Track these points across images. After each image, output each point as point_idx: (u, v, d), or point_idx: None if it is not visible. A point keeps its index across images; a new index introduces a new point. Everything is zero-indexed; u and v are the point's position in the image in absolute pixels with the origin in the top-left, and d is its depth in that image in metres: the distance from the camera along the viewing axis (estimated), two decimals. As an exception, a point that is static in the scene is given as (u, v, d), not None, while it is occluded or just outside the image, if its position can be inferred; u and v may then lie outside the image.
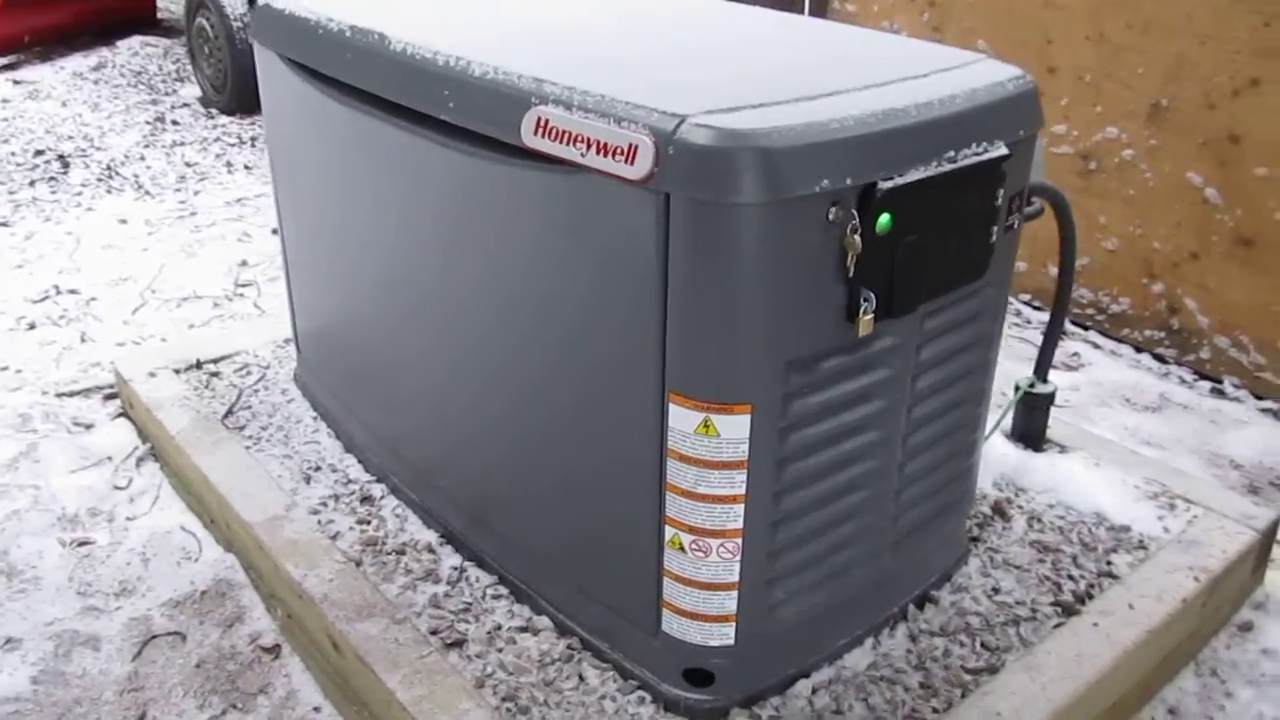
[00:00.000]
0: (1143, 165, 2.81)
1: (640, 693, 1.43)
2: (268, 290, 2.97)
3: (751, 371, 1.21)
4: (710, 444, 1.24)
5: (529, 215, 1.33)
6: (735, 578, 1.32)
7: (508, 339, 1.45)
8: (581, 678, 1.46)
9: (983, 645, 1.54)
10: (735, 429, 1.23)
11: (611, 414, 1.33)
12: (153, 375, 2.21)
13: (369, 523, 1.78)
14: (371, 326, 1.80)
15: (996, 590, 1.64)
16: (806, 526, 1.35)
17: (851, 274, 1.19)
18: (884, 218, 1.19)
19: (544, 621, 1.55)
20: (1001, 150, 1.31)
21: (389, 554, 1.70)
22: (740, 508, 1.27)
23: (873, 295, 1.22)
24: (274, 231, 3.35)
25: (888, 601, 1.55)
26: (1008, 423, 1.98)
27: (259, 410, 2.10)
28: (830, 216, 1.16)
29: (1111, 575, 1.68)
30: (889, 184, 1.18)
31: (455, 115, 1.37)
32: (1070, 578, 1.67)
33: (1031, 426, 1.97)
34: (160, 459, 2.13)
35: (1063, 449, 1.98)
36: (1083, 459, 1.94)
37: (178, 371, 2.23)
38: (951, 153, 1.25)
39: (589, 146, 1.19)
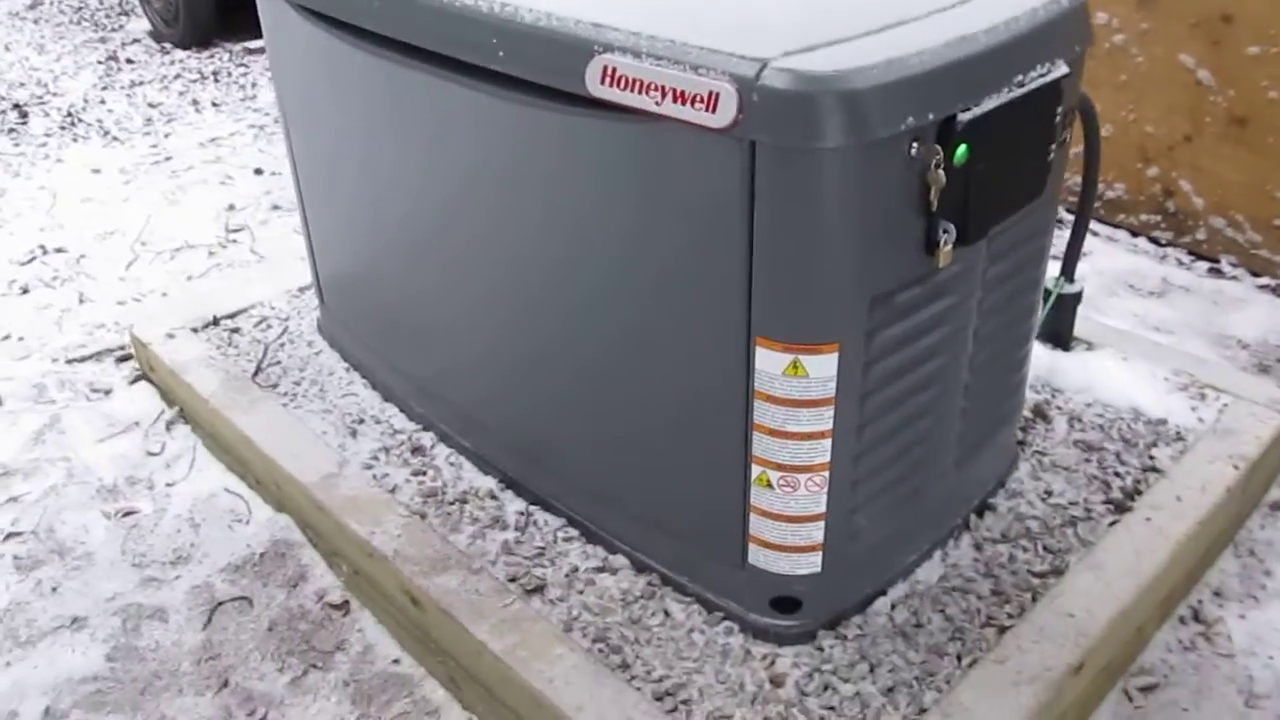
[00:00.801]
0: (1134, 49, 2.80)
1: (727, 623, 1.47)
2: (261, 234, 2.91)
3: (838, 311, 1.22)
4: (799, 384, 1.25)
5: (595, 164, 1.31)
6: (822, 509, 1.35)
7: (573, 288, 1.44)
8: (667, 613, 1.50)
9: (1045, 548, 1.59)
10: (823, 368, 1.24)
11: (692, 360, 1.33)
12: (171, 336, 2.17)
13: (425, 473, 1.78)
14: (409, 276, 1.78)
15: (1049, 493, 1.70)
16: (885, 453, 1.38)
17: (935, 208, 1.19)
18: (961, 149, 1.19)
19: (620, 560, 1.58)
20: (1063, 69, 1.30)
21: (451, 504, 1.71)
22: (827, 443, 1.29)
23: (952, 226, 1.22)
24: (256, 172, 3.27)
25: (952, 514, 1.60)
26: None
27: (289, 365, 2.08)
28: (912, 152, 1.16)
29: (1155, 469, 1.74)
30: (968, 115, 1.18)
31: (506, 64, 1.33)
32: (1117, 474, 1.73)
33: (1060, 326, 2.01)
34: (191, 421, 2.11)
35: (1089, 346, 2.03)
36: (1111, 355, 1.99)
37: (195, 330, 2.19)
38: (1020, 76, 1.24)
39: (664, 95, 1.16)
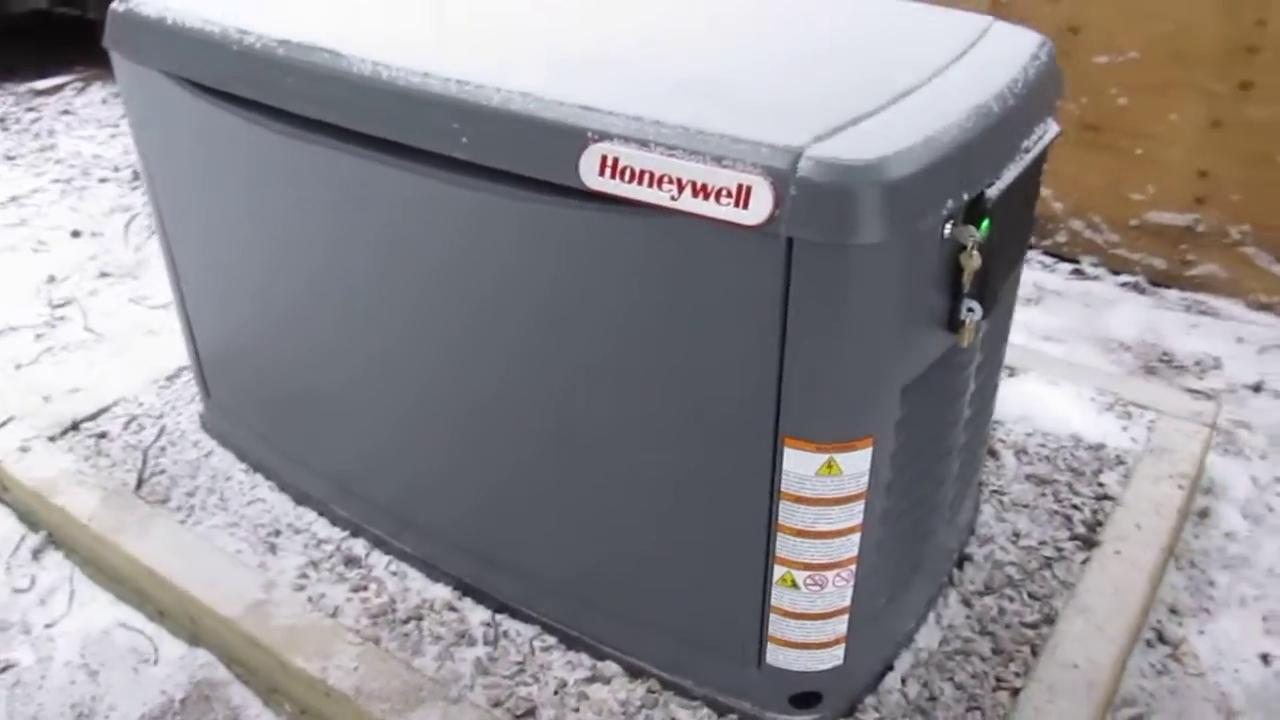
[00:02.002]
0: (986, 60, 2.88)
1: (744, 725, 1.39)
2: (93, 308, 2.58)
3: (874, 405, 1.15)
4: (833, 482, 1.17)
5: (587, 258, 1.18)
6: (848, 602, 1.28)
7: (550, 383, 1.30)
8: (673, 718, 1.40)
9: (1030, 595, 1.58)
10: (858, 464, 1.16)
11: (705, 461, 1.23)
12: (25, 449, 1.87)
13: (366, 588, 1.60)
14: (323, 364, 1.58)
15: (1018, 534, 1.69)
16: (903, 531, 1.32)
17: (966, 289, 1.14)
18: (984, 224, 1.13)
19: (610, 667, 1.46)
20: (1055, 128, 1.28)
21: (406, 622, 1.54)
22: (857, 536, 1.22)
23: (976, 304, 1.17)
24: (74, 234, 2.91)
25: (943, 572, 1.57)
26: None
27: (177, 474, 1.83)
28: (945, 234, 1.10)
29: (1108, 497, 1.77)
30: (994, 190, 1.12)
31: (471, 152, 1.18)
32: (1075, 507, 1.74)
33: (986, 355, 2.02)
34: (65, 547, 1.83)
35: (1011, 371, 2.05)
36: (1037, 379, 2.02)
37: (53, 439, 1.91)
38: (1027, 141, 1.20)
39: (680, 189, 1.05)
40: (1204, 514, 1.95)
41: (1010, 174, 1.15)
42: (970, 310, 1.17)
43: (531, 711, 1.41)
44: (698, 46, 1.32)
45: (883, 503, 1.23)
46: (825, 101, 1.11)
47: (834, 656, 1.32)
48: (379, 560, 1.65)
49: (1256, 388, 2.38)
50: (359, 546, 1.68)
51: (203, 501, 1.77)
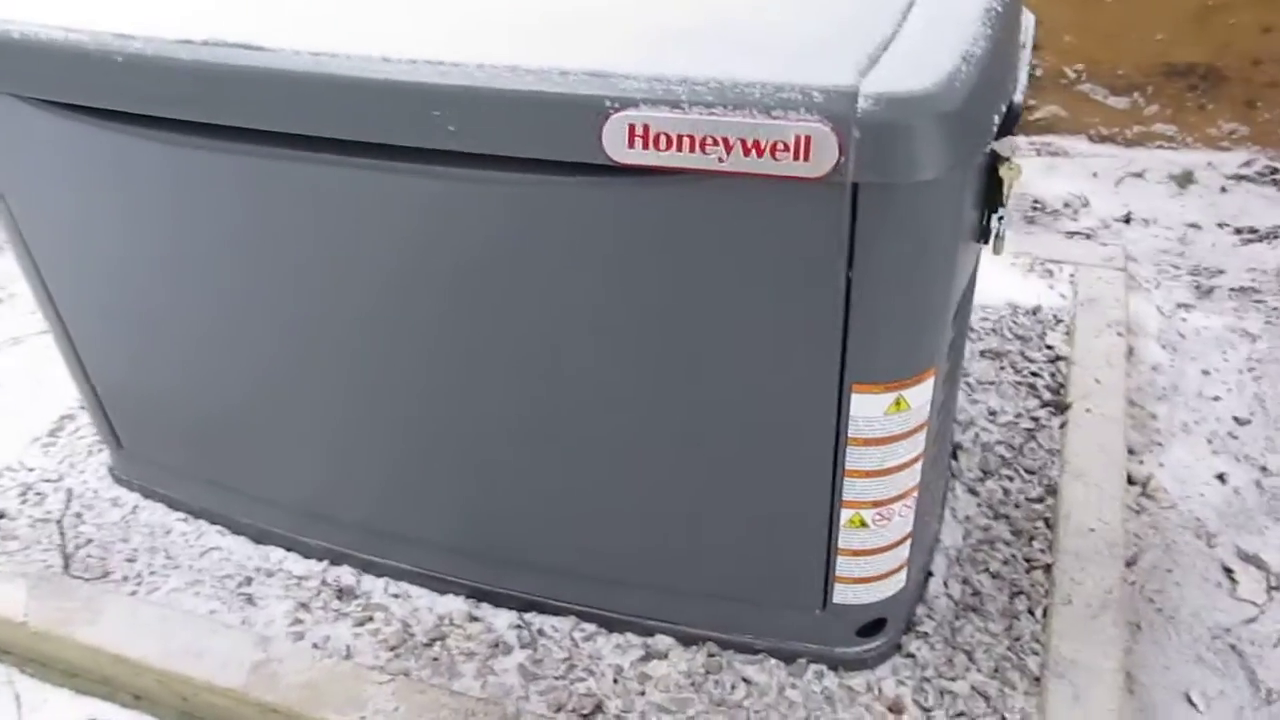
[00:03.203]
0: None
1: (814, 667, 1.37)
2: (-90, 364, 2.22)
3: (936, 335, 1.11)
4: (900, 419, 1.14)
5: (619, 237, 1.07)
6: (911, 528, 1.27)
7: (592, 372, 1.20)
8: (746, 680, 1.37)
9: (1027, 471, 1.63)
10: (923, 395, 1.14)
11: (765, 426, 1.17)
12: (-89, 552, 1.61)
13: (371, 618, 1.48)
14: (279, 388, 1.41)
15: (994, 413, 1.73)
16: (941, 443, 1.32)
17: (1005, 201, 1.11)
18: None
19: (662, 641, 1.41)
20: (1031, 16, 1.25)
21: (429, 645, 1.44)
22: (919, 464, 1.20)
23: (1004, 212, 1.15)
24: None
25: (945, 466, 1.58)
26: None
27: (106, 540, 1.62)
28: (987, 150, 1.06)
29: (1060, 357, 1.83)
30: (1018, 95, 1.09)
31: (461, 141, 1.04)
32: (1034, 374, 1.80)
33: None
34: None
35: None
36: (958, 253, 2.05)
37: (-60, 532, 1.65)
38: (1022, 37, 1.17)
39: (728, 149, 0.96)
40: (1129, 352, 2.06)
41: (1022, 75, 1.12)
42: (1000, 219, 1.14)
43: (599, 707, 1.35)
44: None
45: (935, 423, 1.22)
46: (840, 30, 1.04)
47: (896, 582, 1.31)
48: (374, 585, 1.52)
49: (1126, 219, 2.52)
50: (346, 574, 1.54)
51: (149, 565, 1.58)
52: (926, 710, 1.32)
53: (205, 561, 1.58)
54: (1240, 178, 2.68)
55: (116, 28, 1.15)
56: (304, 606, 1.50)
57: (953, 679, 1.35)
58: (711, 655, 1.39)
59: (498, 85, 1.01)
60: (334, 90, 1.06)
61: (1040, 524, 1.54)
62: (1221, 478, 1.80)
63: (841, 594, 1.30)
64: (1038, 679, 1.34)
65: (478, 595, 1.49)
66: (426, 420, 1.34)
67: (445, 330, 1.23)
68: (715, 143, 0.96)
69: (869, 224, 0.99)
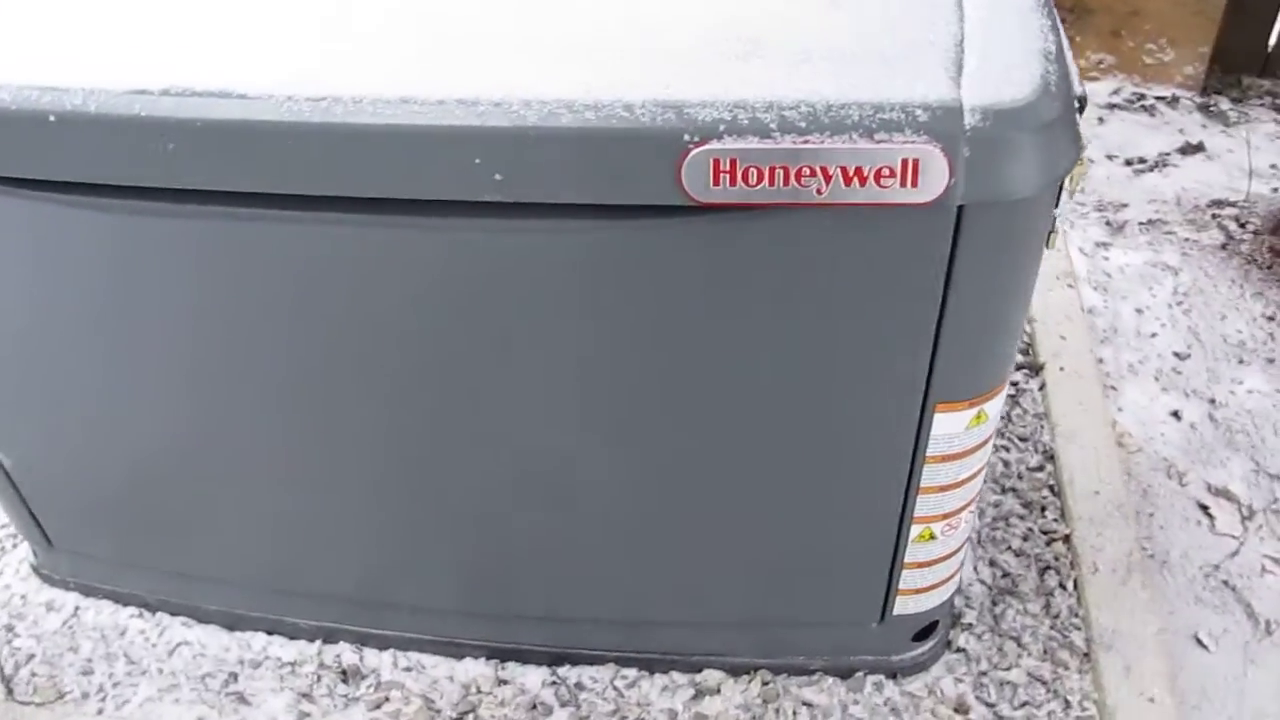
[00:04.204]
0: None
1: (872, 678, 1.33)
2: None
3: (1015, 345, 1.06)
4: (979, 431, 1.09)
5: (691, 280, 0.96)
6: (970, 532, 1.23)
7: (651, 411, 1.10)
8: (806, 704, 1.32)
9: (1020, 439, 1.63)
10: (999, 405, 1.09)
11: (837, 456, 1.10)
12: None
13: (388, 698, 1.34)
14: (253, 461, 1.25)
15: (974, 381, 1.72)
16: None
17: (1071, 196, 1.06)
18: (1065, 120, 1.05)
19: (712, 676, 1.34)
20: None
21: (462, 718, 1.32)
22: (985, 470, 1.17)
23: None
24: None
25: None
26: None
27: (51, 653, 1.41)
28: (1060, 146, 1.00)
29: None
30: (1081, 88, 1.04)
31: (509, 190, 0.90)
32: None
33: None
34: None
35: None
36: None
37: None
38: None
39: (827, 179, 0.87)
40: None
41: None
42: (1057, 216, 1.10)
43: (662, 758, 1.27)
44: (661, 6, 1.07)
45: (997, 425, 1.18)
46: (905, 30, 0.95)
47: (953, 585, 1.28)
48: (380, 660, 1.38)
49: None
50: (346, 652, 1.39)
51: (110, 675, 1.38)
52: (991, 706, 1.30)
53: (176, 661, 1.40)
54: (1113, 106, 2.77)
55: (47, 78, 0.94)
56: (306, 697, 1.35)
57: (1007, 669, 1.34)
58: (766, 683, 1.33)
59: (553, 125, 0.88)
60: (344, 143, 0.90)
61: (1047, 493, 1.55)
62: (1176, 414, 1.86)
63: (902, 605, 1.26)
64: (1087, 654, 1.34)
65: (500, 655, 1.37)
66: (434, 481, 1.20)
67: (474, 388, 1.09)
68: (813, 173, 0.87)
69: (970, 244, 0.92)
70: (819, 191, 0.88)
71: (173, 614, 1.44)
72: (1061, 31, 1.01)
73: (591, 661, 1.36)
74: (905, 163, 0.86)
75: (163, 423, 1.22)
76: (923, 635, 1.32)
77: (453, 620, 1.36)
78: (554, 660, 1.36)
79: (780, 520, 1.17)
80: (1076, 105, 0.99)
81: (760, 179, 0.87)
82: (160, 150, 0.93)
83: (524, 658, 1.37)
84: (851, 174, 0.87)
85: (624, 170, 0.89)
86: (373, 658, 1.39)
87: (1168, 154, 2.54)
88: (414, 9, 1.00)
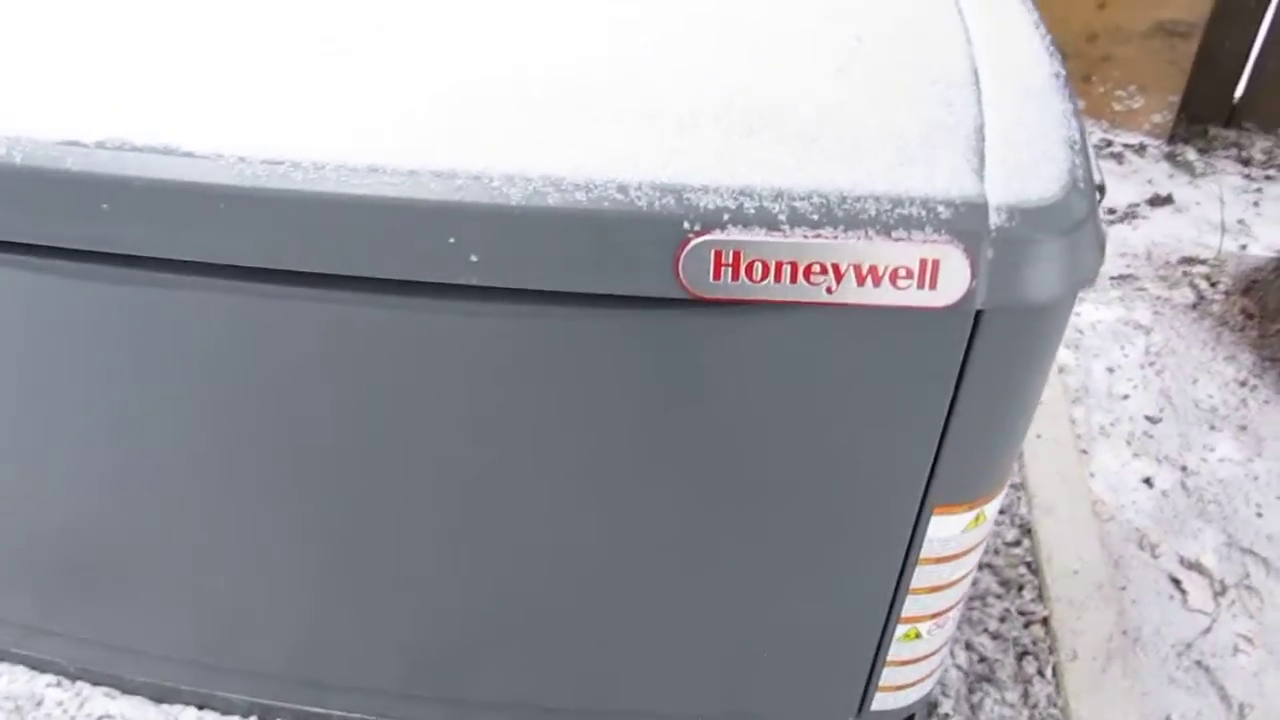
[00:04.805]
0: None
1: (845, 773, 1.26)
2: None
3: (1020, 444, 1.00)
4: (977, 533, 1.03)
5: (677, 374, 0.89)
6: (955, 628, 1.17)
7: (629, 509, 1.01)
8: (776, 800, 1.24)
9: (998, 511, 1.57)
10: (997, 505, 1.03)
11: (826, 558, 1.03)
12: None
13: (326, 785, 1.24)
14: (200, 531, 1.14)
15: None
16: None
17: (1083, 288, 1.00)
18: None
19: (676, 765, 1.26)
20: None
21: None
22: (975, 568, 1.10)
23: (1067, 292, 1.04)
24: None
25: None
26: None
27: (-47, 727, 1.29)
28: (1076, 239, 0.94)
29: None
30: (1098, 175, 0.98)
31: (484, 274, 0.82)
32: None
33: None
34: None
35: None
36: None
37: None
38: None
39: (838, 277, 0.80)
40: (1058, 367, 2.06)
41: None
42: (1065, 302, 1.04)
43: None
44: (654, 62, 0.98)
45: (986, 520, 1.12)
46: (921, 113, 0.88)
47: (934, 680, 1.22)
48: (321, 739, 1.28)
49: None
50: (279, 732, 1.29)
51: (18, 752, 1.27)
52: (967, 804, 1.24)
53: (99, 740, 1.28)
54: (1082, 152, 2.75)
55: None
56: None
57: (985, 764, 1.28)
58: (732, 776, 1.25)
59: (538, 205, 0.79)
60: (302, 213, 0.81)
61: (1024, 570, 1.49)
62: (1148, 481, 1.83)
63: (881, 701, 1.20)
64: (1066, 751, 1.29)
65: (450, 738, 1.28)
66: (383, 565, 1.11)
67: (431, 475, 1.00)
68: (823, 270, 0.80)
69: (985, 350, 0.85)
70: (829, 290, 0.80)
71: (95, 684, 1.33)
72: (1079, 113, 0.94)
73: (548, 748, 1.27)
74: (924, 263, 0.79)
75: (82, 488, 1.11)
76: (899, 728, 1.26)
77: (400, 702, 1.26)
78: (507, 745, 1.27)
79: (762, 616, 1.10)
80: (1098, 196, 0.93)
81: (765, 274, 0.80)
82: (93, 210, 0.83)
83: (474, 742, 1.28)
84: (865, 273, 0.79)
85: (616, 258, 0.80)
86: (312, 737, 1.29)
87: (1137, 205, 2.52)
88: (390, 66, 0.90)
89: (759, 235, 0.78)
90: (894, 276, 0.79)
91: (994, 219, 0.79)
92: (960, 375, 0.87)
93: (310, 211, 0.81)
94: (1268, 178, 2.72)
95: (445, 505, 1.02)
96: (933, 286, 0.80)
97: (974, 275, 0.79)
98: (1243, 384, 1.99)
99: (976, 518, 1.01)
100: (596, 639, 1.15)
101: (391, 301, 0.85)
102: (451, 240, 0.80)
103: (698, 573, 1.05)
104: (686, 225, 0.78)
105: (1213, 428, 1.91)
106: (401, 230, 0.81)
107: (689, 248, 0.79)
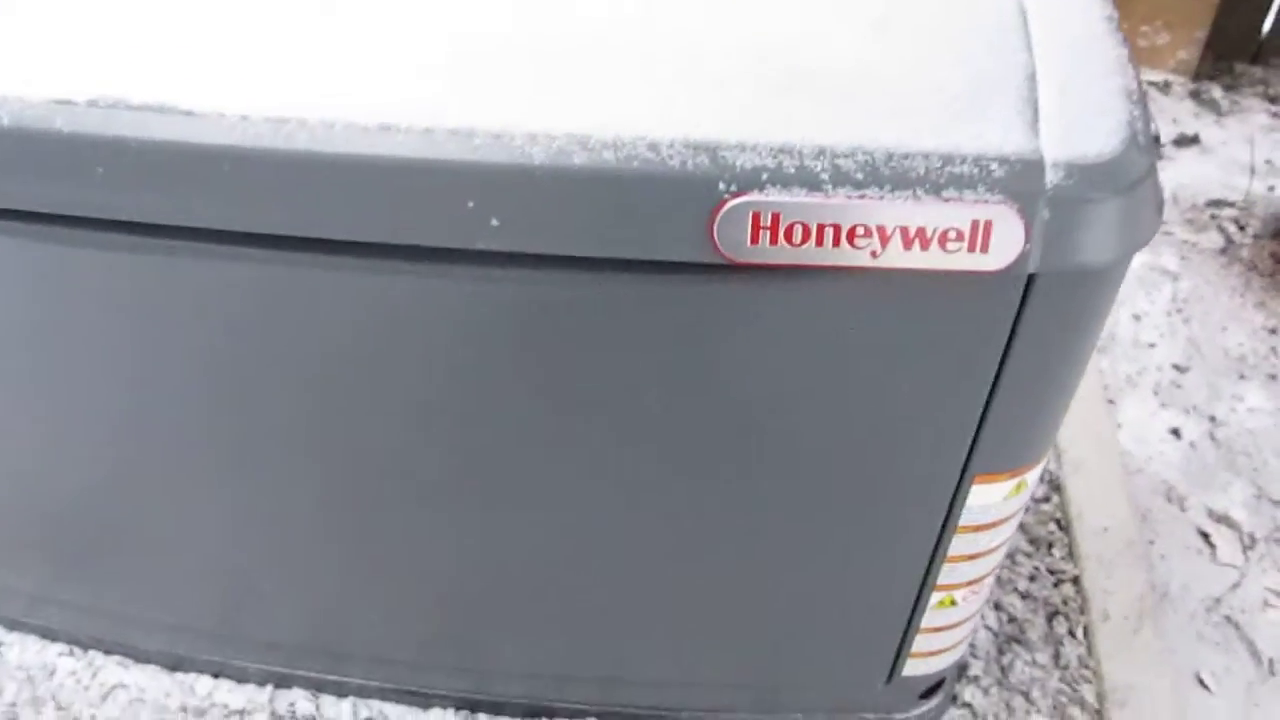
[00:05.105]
0: None
1: (874, 739, 1.24)
2: None
3: (1065, 412, 0.95)
4: (1016, 501, 0.99)
5: (713, 344, 0.84)
6: (989, 593, 1.14)
7: (660, 483, 0.98)
8: (803, 766, 1.22)
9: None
10: (1038, 472, 0.99)
11: (863, 527, 0.99)
12: None
13: (349, 754, 1.23)
14: (216, 500, 1.11)
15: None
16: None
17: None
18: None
19: (701, 731, 1.24)
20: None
21: (428, 778, 1.21)
22: (1013, 534, 1.07)
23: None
24: None
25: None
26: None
27: (-34, 698, 1.26)
28: (1130, 194, 0.89)
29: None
30: (1156, 128, 0.92)
31: (510, 239, 0.77)
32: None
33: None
34: None
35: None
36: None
37: None
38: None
39: (884, 241, 0.75)
40: (1060, 301, 2.00)
41: (1141, 90, 0.95)
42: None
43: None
44: (682, 17, 0.91)
45: (1023, 485, 1.08)
46: (969, 62, 0.82)
47: (965, 646, 1.19)
48: (339, 709, 1.26)
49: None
50: (301, 700, 1.27)
51: (34, 723, 1.25)
52: (999, 768, 1.22)
53: (111, 707, 1.26)
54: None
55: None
56: (258, 750, 1.23)
57: (1016, 727, 1.25)
58: (759, 743, 1.23)
59: (563, 164, 0.74)
60: (308, 176, 0.76)
61: (1054, 527, 1.46)
62: (1176, 432, 1.79)
63: (913, 667, 1.17)
64: (1099, 711, 1.26)
65: (470, 706, 1.26)
66: (402, 536, 1.07)
67: (454, 446, 0.96)
68: (868, 234, 0.75)
69: (1035, 316, 0.80)
70: (873, 255, 0.75)
71: (107, 653, 1.30)
72: (1134, 60, 0.88)
73: (571, 715, 1.25)
74: (975, 225, 0.74)
75: (90, 458, 1.07)
76: (929, 694, 1.23)
77: (419, 671, 1.24)
78: (530, 713, 1.25)
79: (796, 586, 1.07)
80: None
81: (806, 238, 0.75)
82: (87, 174, 0.78)
83: (497, 709, 1.25)
84: (913, 236, 0.74)
85: (646, 222, 0.75)
86: (330, 706, 1.26)
87: (1163, 146, 2.44)
88: (404, 18, 0.84)
89: (800, 196, 0.73)
90: (943, 239, 0.74)
91: (1050, 177, 0.73)
92: (1009, 342, 0.82)
93: (318, 173, 0.75)
94: (1297, 114, 2.64)
95: (464, 476, 0.98)
96: (984, 250, 0.75)
97: (1028, 238, 0.74)
98: (1272, 331, 1.94)
99: (1018, 485, 0.97)
100: (626, 613, 1.12)
101: (408, 268, 0.80)
102: (471, 204, 0.75)
103: (731, 543, 1.02)
104: (722, 186, 0.73)
105: (1242, 377, 1.87)
106: (417, 193, 0.75)
107: (725, 210, 0.74)
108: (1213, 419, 1.81)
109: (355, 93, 0.77)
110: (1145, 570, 1.41)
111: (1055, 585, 1.40)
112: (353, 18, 0.84)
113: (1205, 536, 1.65)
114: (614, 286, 0.80)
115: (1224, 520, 1.67)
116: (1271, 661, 1.50)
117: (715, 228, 0.74)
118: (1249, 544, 1.64)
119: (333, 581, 1.15)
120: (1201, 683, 1.47)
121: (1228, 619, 1.55)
